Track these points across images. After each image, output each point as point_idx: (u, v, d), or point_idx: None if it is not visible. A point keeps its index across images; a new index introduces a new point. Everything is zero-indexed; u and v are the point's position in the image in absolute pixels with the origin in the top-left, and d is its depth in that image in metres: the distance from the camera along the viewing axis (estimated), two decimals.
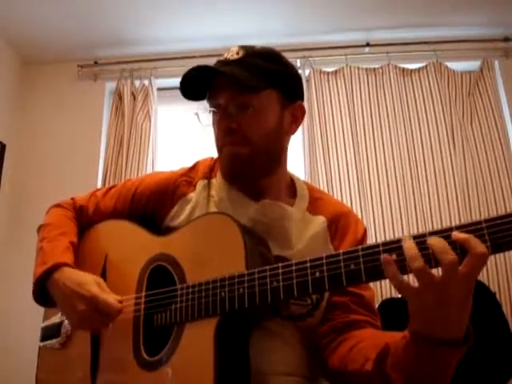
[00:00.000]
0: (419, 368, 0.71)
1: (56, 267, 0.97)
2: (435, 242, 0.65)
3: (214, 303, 0.83)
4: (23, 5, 2.50)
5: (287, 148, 1.05)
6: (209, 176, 1.06)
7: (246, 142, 0.95)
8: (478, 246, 0.63)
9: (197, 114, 1.08)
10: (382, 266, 0.69)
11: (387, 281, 0.71)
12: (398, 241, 0.69)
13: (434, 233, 0.67)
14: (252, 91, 0.93)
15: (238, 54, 0.95)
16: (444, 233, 0.66)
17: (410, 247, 0.66)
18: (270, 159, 1.00)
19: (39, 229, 1.11)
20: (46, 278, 0.97)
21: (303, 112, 1.04)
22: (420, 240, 0.67)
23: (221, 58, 0.98)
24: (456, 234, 0.64)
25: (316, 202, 1.04)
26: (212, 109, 0.99)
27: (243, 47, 0.97)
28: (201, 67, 0.95)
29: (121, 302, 0.95)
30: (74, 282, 0.94)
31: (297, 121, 1.03)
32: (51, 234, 1.06)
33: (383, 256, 0.68)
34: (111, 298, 0.93)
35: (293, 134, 1.04)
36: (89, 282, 0.94)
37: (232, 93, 0.94)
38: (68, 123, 2.85)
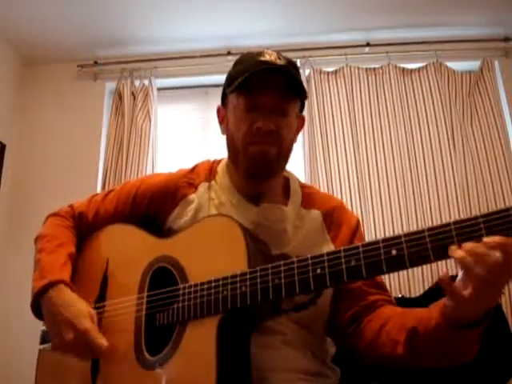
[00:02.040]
0: (452, 347, 0.78)
1: (52, 284, 0.96)
2: (473, 247, 0.67)
3: (216, 301, 0.84)
4: (23, 5, 2.50)
5: None
6: (209, 178, 1.08)
7: (278, 144, 0.99)
8: None
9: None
10: (381, 262, 0.73)
11: (387, 279, 0.72)
12: (398, 237, 0.73)
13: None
14: (293, 99, 0.99)
15: (279, 59, 0.98)
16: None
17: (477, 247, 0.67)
18: (286, 163, 1.06)
19: (36, 239, 1.10)
20: (42, 293, 0.96)
21: (304, 122, 1.13)
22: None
23: (264, 58, 0.97)
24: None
25: (308, 196, 1.08)
26: (250, 106, 0.98)
27: (278, 53, 1.00)
28: (273, 67, 0.96)
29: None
30: (68, 309, 0.93)
31: (300, 129, 1.10)
32: (49, 245, 1.05)
33: (441, 275, 0.71)
34: (100, 336, 0.92)
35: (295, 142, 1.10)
36: (83, 313, 0.93)
37: (280, 97, 0.97)
38: (68, 123, 2.85)
